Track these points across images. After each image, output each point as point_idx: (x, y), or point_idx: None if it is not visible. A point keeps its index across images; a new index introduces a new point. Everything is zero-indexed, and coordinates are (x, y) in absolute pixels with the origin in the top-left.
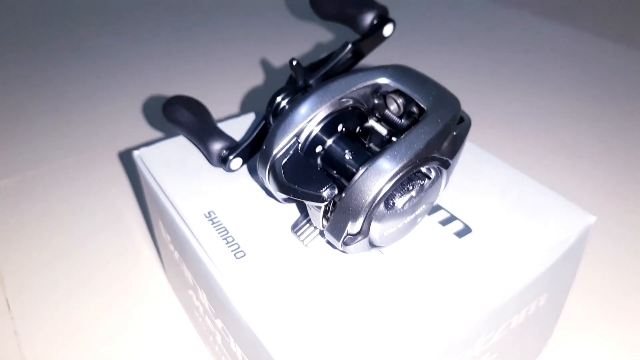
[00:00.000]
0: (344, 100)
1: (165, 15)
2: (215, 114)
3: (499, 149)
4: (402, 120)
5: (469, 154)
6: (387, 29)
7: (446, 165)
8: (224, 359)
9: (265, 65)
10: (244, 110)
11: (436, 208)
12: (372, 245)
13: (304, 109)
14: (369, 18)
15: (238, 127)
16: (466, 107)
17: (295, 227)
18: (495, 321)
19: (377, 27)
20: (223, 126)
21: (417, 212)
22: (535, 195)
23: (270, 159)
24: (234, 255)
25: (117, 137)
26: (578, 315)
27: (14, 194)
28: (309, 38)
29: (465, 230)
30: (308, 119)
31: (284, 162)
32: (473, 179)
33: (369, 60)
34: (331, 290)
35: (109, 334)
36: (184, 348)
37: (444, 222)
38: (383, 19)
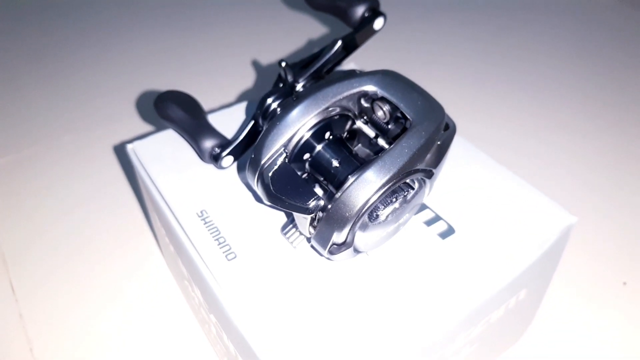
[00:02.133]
0: (330, 109)
1: (157, 8)
2: (209, 104)
3: (487, 138)
4: (389, 126)
5: (458, 148)
6: (378, 23)
7: (430, 175)
8: (219, 347)
9: (258, 55)
10: (238, 99)
11: (422, 207)
12: (357, 251)
13: (291, 119)
14: (359, 11)
15: (231, 117)
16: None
17: (284, 229)
18: (474, 319)
19: (368, 21)
20: (216, 116)
21: (401, 220)
22: (519, 194)
23: (259, 168)
24: (226, 256)
25: (113, 125)
26: (558, 304)
27: (12, 173)
28: (302, 28)
29: (449, 231)
30: (296, 129)
31: (272, 172)
32: (460, 176)
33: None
34: (318, 291)
35: (111, 315)
36: (183, 332)
37: (429, 223)
38: (374, 12)
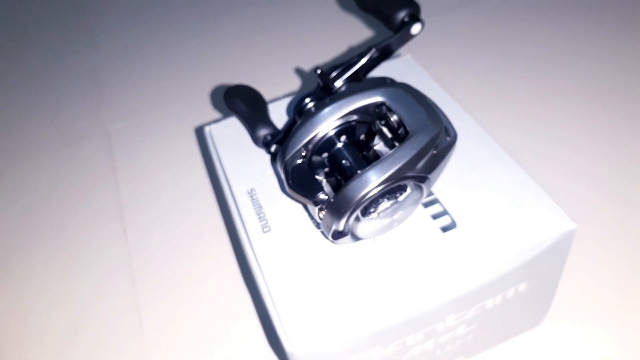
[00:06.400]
0: (348, 116)
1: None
2: (275, 92)
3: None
4: (399, 131)
5: (481, 147)
6: (415, 28)
7: (423, 180)
8: None
9: (319, 53)
10: (297, 90)
11: (433, 201)
12: (356, 238)
13: (311, 124)
14: (400, 16)
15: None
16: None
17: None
18: (464, 304)
19: (406, 25)
20: (278, 104)
21: (395, 216)
22: (528, 196)
23: (284, 163)
24: (262, 229)
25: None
26: (580, 294)
27: (129, 135)
28: (356, 27)
29: (450, 226)
30: (315, 133)
31: (292, 167)
32: (478, 174)
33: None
34: (332, 264)
35: (199, 255)
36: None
37: (436, 216)
38: (413, 17)
